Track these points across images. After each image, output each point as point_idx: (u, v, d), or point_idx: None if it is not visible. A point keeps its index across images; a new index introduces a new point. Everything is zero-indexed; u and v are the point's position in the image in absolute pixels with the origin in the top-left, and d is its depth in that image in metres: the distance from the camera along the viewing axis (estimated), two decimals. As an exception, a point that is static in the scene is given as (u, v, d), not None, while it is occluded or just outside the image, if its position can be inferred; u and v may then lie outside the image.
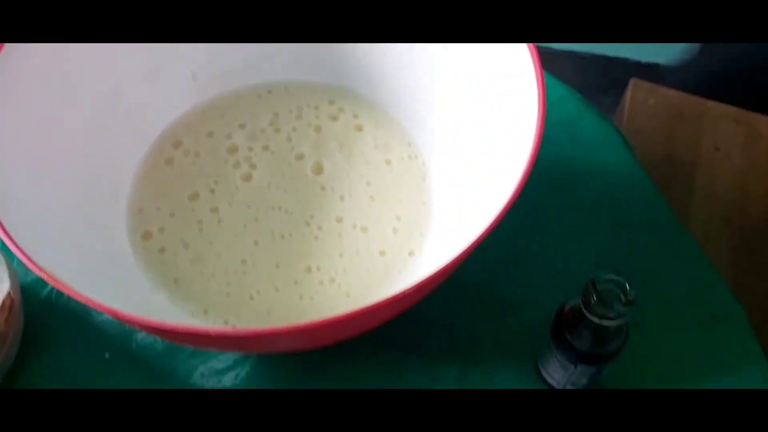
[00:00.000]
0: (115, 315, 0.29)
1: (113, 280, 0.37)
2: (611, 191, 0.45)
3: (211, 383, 0.39)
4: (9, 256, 0.39)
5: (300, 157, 0.44)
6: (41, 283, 0.42)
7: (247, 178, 0.43)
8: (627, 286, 0.32)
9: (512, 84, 0.37)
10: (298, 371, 0.39)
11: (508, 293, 0.42)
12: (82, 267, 0.35)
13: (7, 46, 0.35)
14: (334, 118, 0.45)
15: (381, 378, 0.39)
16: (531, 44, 0.36)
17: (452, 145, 0.42)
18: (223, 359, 0.40)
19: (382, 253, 0.41)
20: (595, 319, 0.32)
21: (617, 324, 0.33)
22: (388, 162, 0.44)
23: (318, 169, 0.44)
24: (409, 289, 0.31)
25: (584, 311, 0.33)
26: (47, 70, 0.38)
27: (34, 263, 0.30)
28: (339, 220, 0.42)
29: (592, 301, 0.32)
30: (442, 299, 0.39)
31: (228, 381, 0.39)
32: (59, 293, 0.42)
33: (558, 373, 0.37)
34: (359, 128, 0.45)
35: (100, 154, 0.41)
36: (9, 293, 0.37)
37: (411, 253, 0.41)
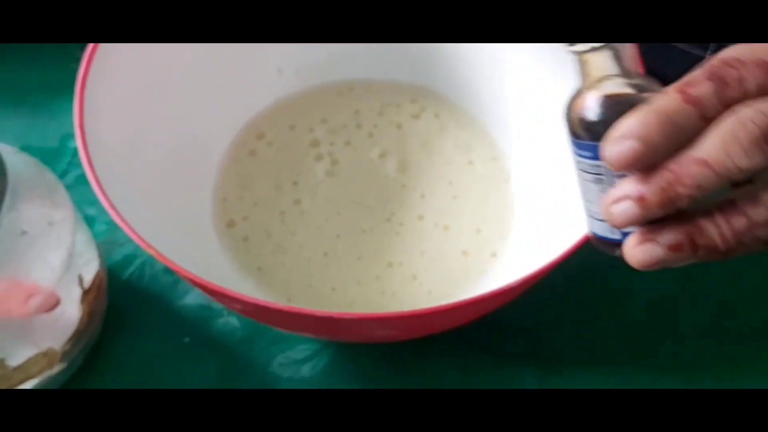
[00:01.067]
0: (223, 293, 0.29)
1: (203, 266, 0.37)
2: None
3: (289, 372, 0.39)
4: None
5: (381, 154, 0.44)
6: (122, 266, 0.43)
7: (330, 172, 0.43)
8: None
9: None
10: (375, 364, 0.39)
11: (591, 297, 0.41)
12: (174, 253, 0.35)
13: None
14: (416, 117, 0.45)
15: (458, 376, 0.39)
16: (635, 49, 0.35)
17: (536, 148, 0.42)
18: (302, 350, 0.40)
19: (465, 252, 0.41)
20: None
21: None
22: (470, 162, 0.44)
23: (399, 167, 0.44)
24: (497, 290, 0.31)
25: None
26: (142, 61, 0.38)
27: (145, 242, 0.30)
28: (420, 217, 0.42)
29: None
30: (523, 300, 0.39)
31: (306, 371, 0.39)
32: (140, 276, 0.42)
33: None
34: (441, 127, 0.45)
35: (188, 144, 0.41)
36: (98, 272, 0.38)
37: (493, 255, 0.40)
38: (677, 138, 0.24)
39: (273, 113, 0.45)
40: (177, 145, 0.41)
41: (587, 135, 0.27)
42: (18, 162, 0.34)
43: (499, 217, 0.42)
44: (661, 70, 0.48)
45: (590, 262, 0.38)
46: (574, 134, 0.27)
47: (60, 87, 0.50)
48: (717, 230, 0.25)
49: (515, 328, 0.40)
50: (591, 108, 0.27)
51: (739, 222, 0.24)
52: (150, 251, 0.30)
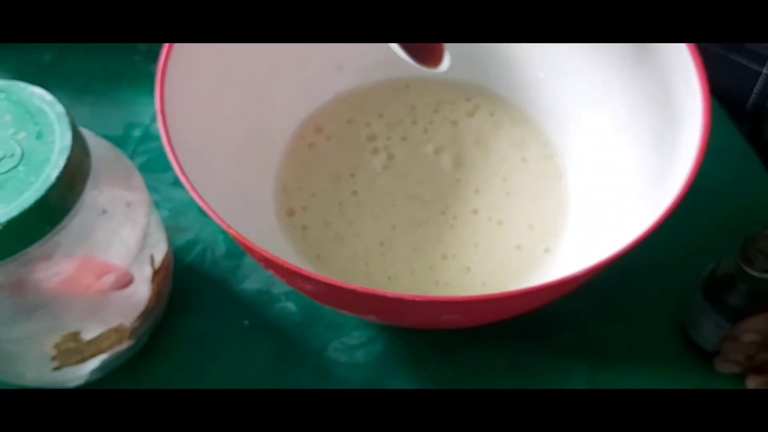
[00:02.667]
0: (299, 273, 0.30)
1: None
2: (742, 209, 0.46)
3: (344, 358, 0.40)
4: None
5: (436, 149, 0.45)
6: (185, 250, 0.44)
7: (386, 165, 0.45)
8: None
9: (666, 93, 0.38)
10: (428, 352, 0.40)
11: (635, 297, 0.42)
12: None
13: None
14: (471, 114, 0.47)
15: (507, 368, 0.40)
16: (692, 45, 0.36)
17: (590, 147, 0.43)
18: (357, 336, 0.41)
19: (518, 247, 0.41)
20: (756, 274, 0.34)
21: None
22: (524, 160, 0.45)
23: (454, 162, 0.45)
24: (554, 282, 0.32)
25: (744, 267, 0.34)
26: (212, 56, 0.40)
27: (225, 223, 0.31)
28: (474, 212, 0.43)
29: (753, 255, 0.34)
30: (575, 295, 0.39)
31: (360, 357, 0.40)
32: (202, 261, 0.44)
33: (713, 335, 0.38)
34: (495, 125, 0.46)
35: (251, 136, 0.43)
36: (167, 254, 0.39)
37: (546, 250, 0.41)
38: None
39: (331, 108, 0.47)
40: (242, 136, 0.42)
41: (728, 309, 0.37)
42: (98, 145, 0.36)
43: (553, 214, 0.42)
44: (719, 84, 0.49)
45: (643, 261, 0.39)
46: (717, 302, 0.37)
47: (123, 77, 0.52)
48: None
49: (566, 322, 0.41)
50: (738, 300, 0.36)
51: None
52: (231, 232, 0.31)
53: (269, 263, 0.32)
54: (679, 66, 0.37)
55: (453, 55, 0.47)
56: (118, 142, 0.48)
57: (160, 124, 0.34)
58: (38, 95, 0.33)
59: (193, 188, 0.32)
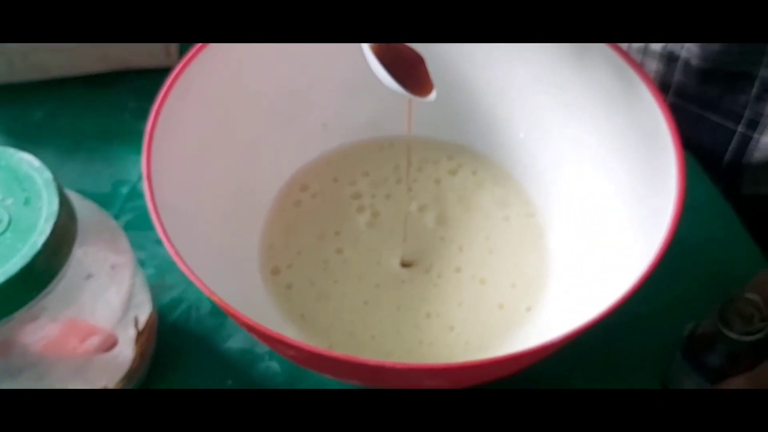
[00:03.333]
0: (279, 340, 0.31)
1: (249, 311, 0.39)
2: (720, 265, 0.46)
3: (328, 418, 0.40)
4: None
5: (420, 207, 0.46)
6: (170, 308, 0.44)
7: (371, 223, 0.45)
8: (762, 302, 0.34)
9: (642, 152, 0.39)
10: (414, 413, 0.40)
11: (616, 354, 0.42)
12: (223, 297, 0.37)
13: (176, 87, 0.39)
14: (453, 173, 0.47)
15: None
16: (665, 107, 0.37)
17: (570, 206, 0.44)
18: (341, 396, 0.41)
19: (501, 306, 0.42)
20: (735, 336, 0.34)
21: (756, 339, 0.34)
22: (506, 218, 0.45)
23: (437, 220, 0.45)
24: (533, 348, 0.32)
25: (722, 329, 0.35)
26: (200, 116, 0.41)
27: (209, 289, 0.32)
28: (458, 270, 0.43)
29: (732, 318, 0.34)
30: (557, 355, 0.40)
31: (345, 417, 0.40)
32: (186, 319, 0.44)
33: None
34: (478, 184, 0.47)
35: (238, 194, 0.44)
36: (151, 314, 0.40)
37: (528, 309, 0.42)
38: None
39: (317, 166, 0.48)
40: (228, 195, 0.43)
41: (708, 370, 0.37)
42: (84, 208, 0.37)
43: (534, 272, 0.43)
44: (696, 142, 0.50)
45: (625, 318, 0.39)
46: (697, 363, 0.37)
47: (114, 134, 0.52)
48: None
49: (546, 378, 0.41)
50: (719, 361, 0.36)
51: None
52: (214, 299, 0.32)
53: (251, 329, 0.32)
54: (653, 128, 0.38)
55: (436, 116, 0.49)
56: (107, 199, 0.49)
57: (146, 189, 0.35)
58: (27, 161, 0.34)
59: (177, 253, 0.33)
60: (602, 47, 0.40)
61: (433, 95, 0.36)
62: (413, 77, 0.36)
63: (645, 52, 0.50)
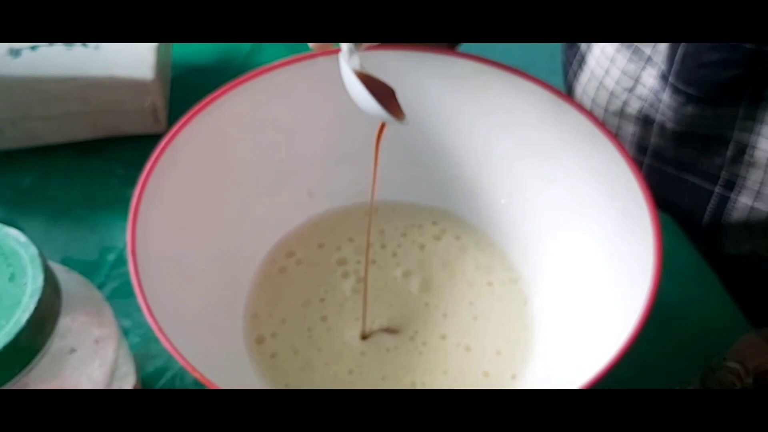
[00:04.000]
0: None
1: (233, 383, 0.39)
2: (701, 326, 0.47)
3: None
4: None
5: (405, 273, 0.46)
6: (155, 377, 0.44)
7: (355, 289, 0.46)
8: (742, 371, 0.34)
9: (619, 217, 0.40)
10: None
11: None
12: (207, 369, 0.37)
13: (162, 160, 0.39)
14: (437, 238, 0.48)
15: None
16: (643, 182, 0.38)
17: (553, 272, 0.44)
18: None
19: (486, 374, 0.42)
20: None
21: None
22: (490, 284, 0.46)
23: (422, 286, 0.46)
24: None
25: None
26: (185, 186, 0.42)
27: (191, 366, 0.32)
28: (443, 337, 0.44)
29: (713, 387, 0.34)
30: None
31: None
32: (172, 387, 0.44)
33: None
34: (461, 249, 0.47)
35: (225, 262, 0.44)
36: (135, 386, 0.39)
37: (513, 377, 0.42)
38: None
39: (303, 232, 0.48)
40: (214, 263, 0.43)
41: None
42: (68, 281, 0.37)
43: (519, 339, 0.43)
44: (675, 203, 0.51)
45: (606, 385, 0.39)
46: None
47: (101, 201, 0.53)
48: None
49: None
50: None
51: None
52: (195, 374, 0.32)
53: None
54: (628, 192, 0.39)
55: (420, 182, 0.49)
56: (93, 266, 0.50)
57: (130, 264, 0.35)
58: (13, 236, 0.34)
59: (160, 329, 0.33)
60: (578, 115, 0.41)
61: (407, 121, 0.37)
62: (388, 107, 0.37)
63: (622, 115, 0.52)
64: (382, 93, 0.38)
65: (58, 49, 0.52)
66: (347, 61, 0.37)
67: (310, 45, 0.42)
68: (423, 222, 0.49)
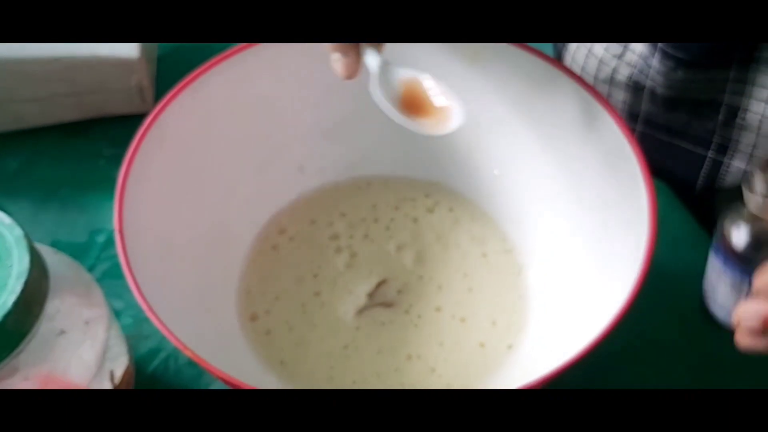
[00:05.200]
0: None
1: (228, 360, 0.39)
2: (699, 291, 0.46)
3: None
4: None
5: (398, 246, 0.46)
6: (148, 358, 0.44)
7: (349, 264, 0.45)
8: None
9: (614, 185, 0.39)
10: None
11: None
12: (201, 347, 0.37)
13: (147, 138, 0.39)
14: (431, 211, 0.48)
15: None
16: (637, 149, 0.38)
17: (547, 241, 0.44)
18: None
19: (482, 344, 0.42)
20: (758, 198, 0.32)
21: None
22: (484, 255, 0.45)
23: (416, 259, 0.45)
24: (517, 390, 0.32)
25: (747, 195, 0.33)
26: (173, 163, 0.41)
27: (182, 344, 0.32)
28: (438, 309, 0.43)
29: (755, 180, 0.32)
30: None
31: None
32: (165, 369, 0.43)
33: (730, 300, 0.36)
34: (455, 221, 0.47)
35: (214, 240, 0.43)
36: (128, 367, 0.39)
37: (509, 347, 0.42)
38: None
39: (294, 209, 0.47)
40: (204, 241, 0.43)
41: (737, 260, 0.34)
42: (57, 263, 0.36)
43: (514, 309, 0.43)
44: (668, 170, 0.50)
45: (605, 351, 0.39)
46: (725, 253, 0.35)
47: (89, 183, 0.52)
48: None
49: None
50: (744, 241, 0.34)
51: None
52: (187, 353, 0.32)
53: (227, 381, 0.32)
54: (622, 159, 0.39)
55: (412, 155, 0.49)
56: (83, 248, 0.49)
57: (118, 244, 0.35)
58: (-3, 218, 0.34)
59: (150, 308, 0.32)
60: (570, 82, 0.40)
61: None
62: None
63: (612, 82, 0.51)
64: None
65: (40, 29, 0.51)
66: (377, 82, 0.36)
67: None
68: (416, 195, 0.48)
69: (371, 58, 0.36)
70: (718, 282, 0.36)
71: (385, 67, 0.37)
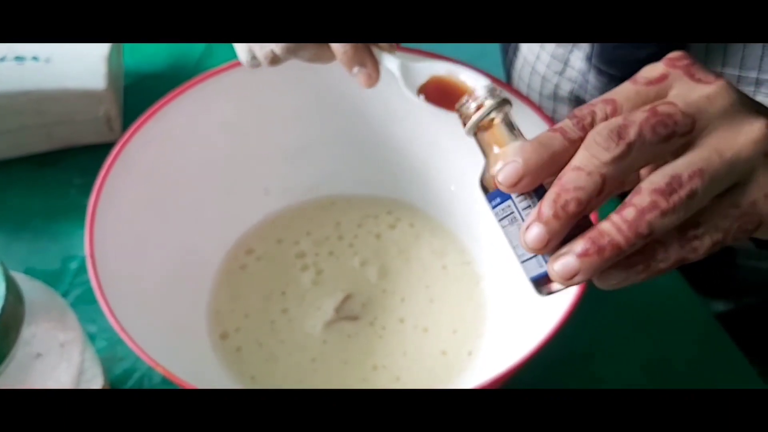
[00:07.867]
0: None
1: (201, 377, 0.40)
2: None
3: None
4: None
5: (362, 262, 0.48)
6: (122, 380, 0.45)
7: (315, 281, 0.47)
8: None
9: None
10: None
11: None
12: (173, 366, 0.38)
13: (116, 166, 0.40)
14: (392, 227, 0.50)
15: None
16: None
17: (504, 253, 0.46)
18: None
19: (444, 352, 0.44)
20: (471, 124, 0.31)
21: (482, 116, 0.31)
22: (444, 267, 0.48)
23: (379, 273, 0.47)
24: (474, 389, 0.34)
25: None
26: (142, 190, 0.43)
27: (154, 361, 0.33)
28: (401, 320, 0.45)
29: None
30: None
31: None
32: (140, 388, 0.45)
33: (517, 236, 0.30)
34: (416, 236, 0.49)
35: (183, 262, 0.45)
36: (103, 387, 0.40)
37: (470, 353, 0.44)
38: (551, 158, 0.27)
39: (261, 229, 0.49)
40: (174, 263, 0.44)
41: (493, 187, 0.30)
42: (31, 289, 0.37)
43: (473, 317, 0.45)
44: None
45: (562, 354, 0.41)
46: (485, 191, 0.31)
47: (60, 211, 0.54)
48: (612, 226, 0.26)
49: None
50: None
51: (628, 213, 0.26)
52: (159, 369, 0.33)
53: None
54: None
55: (374, 175, 0.51)
56: (56, 276, 0.50)
57: (89, 268, 0.36)
58: (-28, 248, 0.35)
59: (123, 329, 0.34)
60: (519, 102, 0.43)
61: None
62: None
63: (555, 97, 0.54)
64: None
65: (9, 64, 0.53)
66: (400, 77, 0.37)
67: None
68: (378, 212, 0.50)
69: (389, 62, 0.37)
70: (508, 235, 0.31)
71: (405, 67, 0.37)
